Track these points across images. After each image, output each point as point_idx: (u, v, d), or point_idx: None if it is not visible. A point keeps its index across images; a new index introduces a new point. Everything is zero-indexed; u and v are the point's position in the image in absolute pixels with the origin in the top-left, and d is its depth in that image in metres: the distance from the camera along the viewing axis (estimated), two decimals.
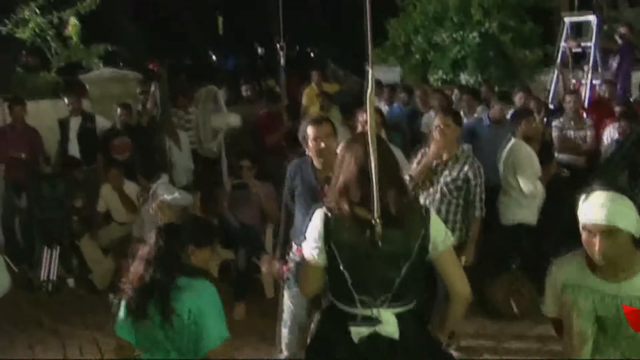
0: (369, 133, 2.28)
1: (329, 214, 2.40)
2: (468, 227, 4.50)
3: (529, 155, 5.21)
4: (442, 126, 4.37)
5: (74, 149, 7.22)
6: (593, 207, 2.25)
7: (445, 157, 4.44)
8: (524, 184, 5.10)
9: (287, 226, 3.91)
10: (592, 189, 2.29)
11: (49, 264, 6.12)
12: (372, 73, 2.32)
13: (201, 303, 2.54)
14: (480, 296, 5.37)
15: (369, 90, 2.32)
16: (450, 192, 4.40)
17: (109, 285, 6.13)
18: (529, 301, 5.23)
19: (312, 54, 23.83)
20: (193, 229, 2.75)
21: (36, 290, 6.10)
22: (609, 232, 2.21)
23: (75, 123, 7.30)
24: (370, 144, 2.27)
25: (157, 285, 2.54)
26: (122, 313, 2.74)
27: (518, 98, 7.19)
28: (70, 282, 6.31)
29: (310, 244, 2.44)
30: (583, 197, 2.30)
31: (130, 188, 6.50)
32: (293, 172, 3.78)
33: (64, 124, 7.33)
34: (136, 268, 2.63)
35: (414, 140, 7.75)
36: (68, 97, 7.41)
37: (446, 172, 4.41)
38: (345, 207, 2.36)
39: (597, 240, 2.24)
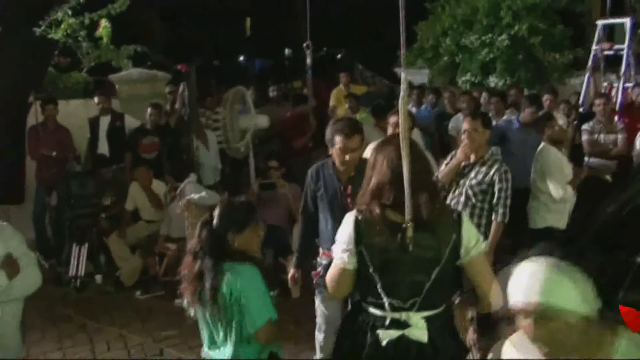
0: (401, 136, 2.27)
1: (360, 217, 2.39)
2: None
3: (558, 159, 5.13)
4: (470, 130, 4.32)
5: (103, 148, 7.32)
6: (522, 283, 1.78)
7: (473, 159, 4.39)
8: (553, 189, 5.03)
9: (306, 231, 3.90)
10: (524, 257, 1.86)
11: (78, 261, 6.21)
12: (405, 76, 2.30)
13: (241, 285, 2.65)
14: None
15: (402, 94, 2.30)
16: (475, 195, 4.33)
17: (135, 282, 6.22)
18: None
19: (339, 56, 23.82)
20: (227, 217, 2.80)
21: (65, 286, 6.18)
22: (543, 313, 1.72)
23: (104, 122, 7.39)
24: (403, 148, 2.25)
25: (205, 272, 2.71)
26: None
27: (544, 100, 7.10)
28: (98, 278, 6.39)
29: (340, 247, 2.43)
30: (512, 271, 1.85)
31: (158, 187, 6.56)
32: (315, 177, 3.76)
33: (94, 123, 7.44)
34: (187, 261, 2.81)
35: (441, 143, 7.71)
36: (98, 97, 7.52)
37: (472, 175, 4.35)
38: (377, 210, 2.34)
39: (529, 325, 1.76)
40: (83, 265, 6.22)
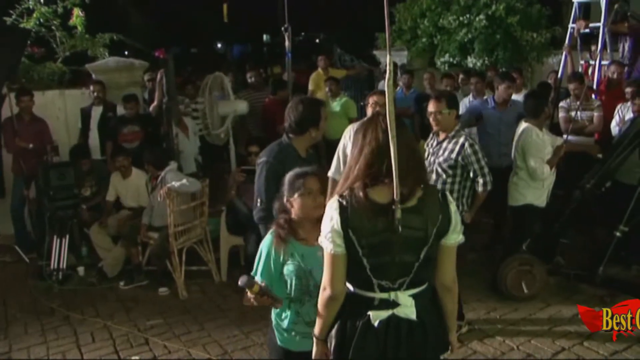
0: (387, 117, 2.25)
1: (344, 202, 2.35)
2: (462, 208, 4.56)
3: (540, 140, 5.17)
4: (435, 112, 4.45)
5: (94, 138, 7.27)
6: None
7: (441, 137, 4.54)
8: (531, 166, 5.10)
9: None
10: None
11: (59, 253, 6.14)
12: (390, 58, 2.27)
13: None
14: (492, 278, 5.37)
15: (387, 75, 2.28)
16: (445, 171, 4.49)
17: (118, 273, 6.18)
18: (540, 282, 5.22)
19: (317, 40, 23.71)
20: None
21: (47, 279, 6.11)
22: None
23: (96, 112, 7.33)
24: (390, 129, 2.22)
25: None
26: None
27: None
28: (81, 270, 6.33)
29: (327, 235, 2.38)
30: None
31: (139, 176, 6.51)
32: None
33: (86, 113, 7.37)
34: None
35: (421, 125, 7.72)
36: (94, 85, 7.44)
37: (440, 153, 4.51)
38: (361, 193, 2.31)
39: None
40: (65, 257, 6.15)
